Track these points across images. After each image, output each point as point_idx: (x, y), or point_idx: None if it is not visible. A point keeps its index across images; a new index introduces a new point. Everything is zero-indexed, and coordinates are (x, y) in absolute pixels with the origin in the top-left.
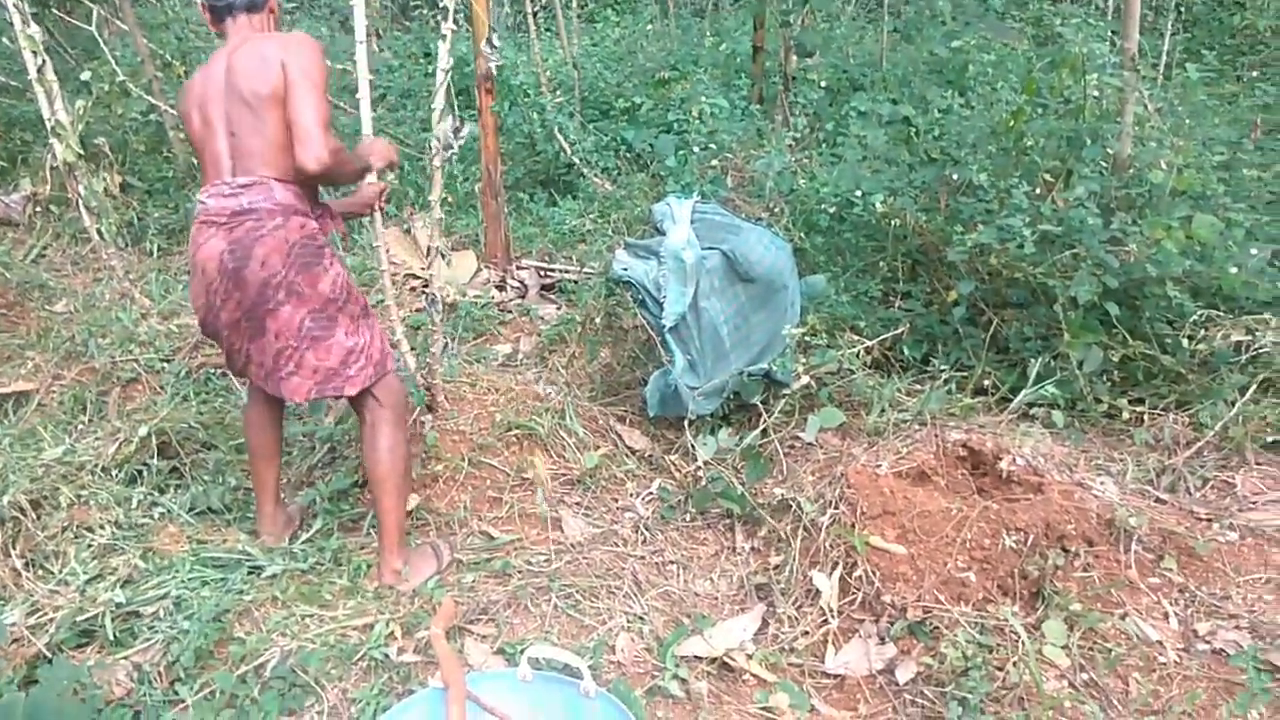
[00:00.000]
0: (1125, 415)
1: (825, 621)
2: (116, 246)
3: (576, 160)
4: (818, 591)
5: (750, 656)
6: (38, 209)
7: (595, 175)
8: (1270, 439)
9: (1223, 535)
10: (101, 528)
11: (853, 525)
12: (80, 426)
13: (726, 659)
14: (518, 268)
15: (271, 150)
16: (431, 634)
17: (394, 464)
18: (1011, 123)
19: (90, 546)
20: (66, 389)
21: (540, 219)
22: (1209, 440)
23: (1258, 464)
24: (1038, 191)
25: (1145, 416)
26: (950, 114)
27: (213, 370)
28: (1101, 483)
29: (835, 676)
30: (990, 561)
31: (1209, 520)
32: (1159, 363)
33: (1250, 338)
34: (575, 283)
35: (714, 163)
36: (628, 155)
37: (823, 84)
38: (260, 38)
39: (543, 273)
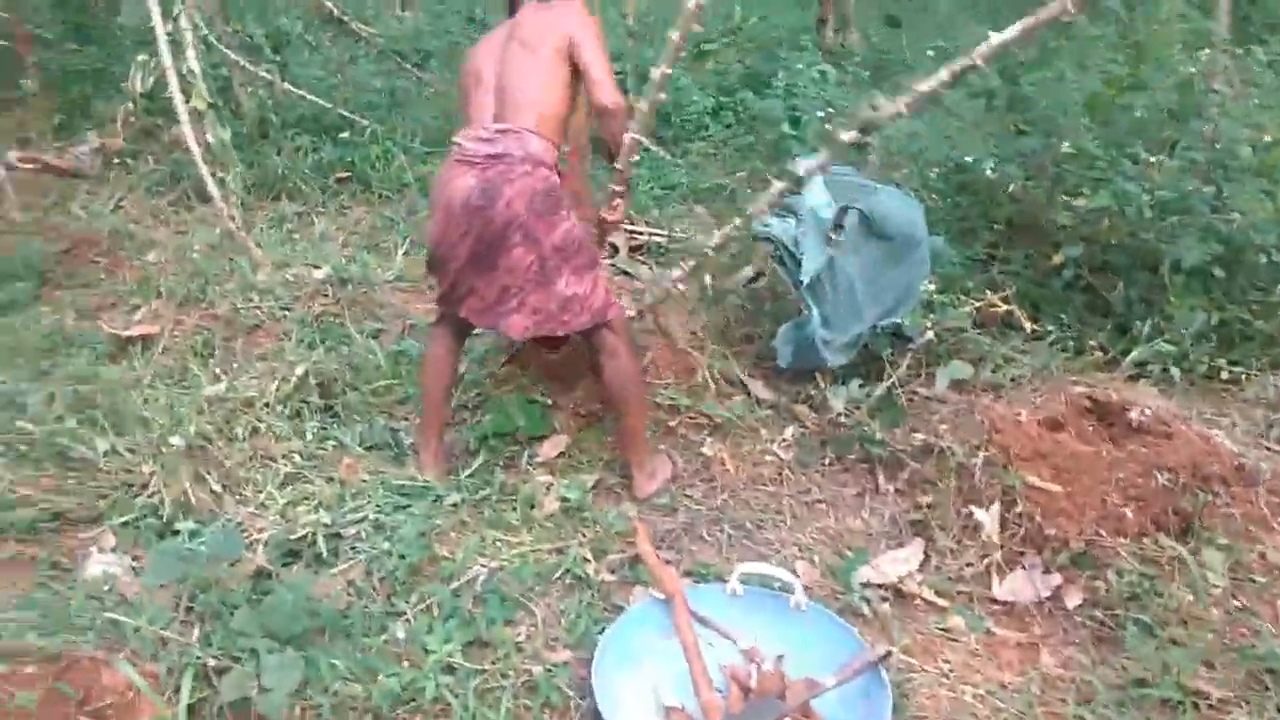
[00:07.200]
0: (1224, 375)
1: (987, 555)
2: (237, 197)
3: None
4: (977, 526)
5: (920, 584)
6: (108, 161)
7: (698, 139)
8: None
9: None
10: (285, 457)
11: (1005, 466)
12: (220, 369)
13: (899, 585)
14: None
15: (534, 105)
16: (641, 549)
17: (636, 384)
18: (1113, 92)
19: (278, 475)
20: (189, 334)
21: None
22: None
23: None
24: (1149, 160)
25: (1244, 376)
26: (1042, 85)
27: (332, 318)
28: (1216, 435)
29: (1003, 603)
30: (1145, 498)
31: None
32: (1253, 325)
33: None
34: (662, 246)
35: (828, 126)
36: (738, 118)
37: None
38: (544, 6)
39: (632, 234)
